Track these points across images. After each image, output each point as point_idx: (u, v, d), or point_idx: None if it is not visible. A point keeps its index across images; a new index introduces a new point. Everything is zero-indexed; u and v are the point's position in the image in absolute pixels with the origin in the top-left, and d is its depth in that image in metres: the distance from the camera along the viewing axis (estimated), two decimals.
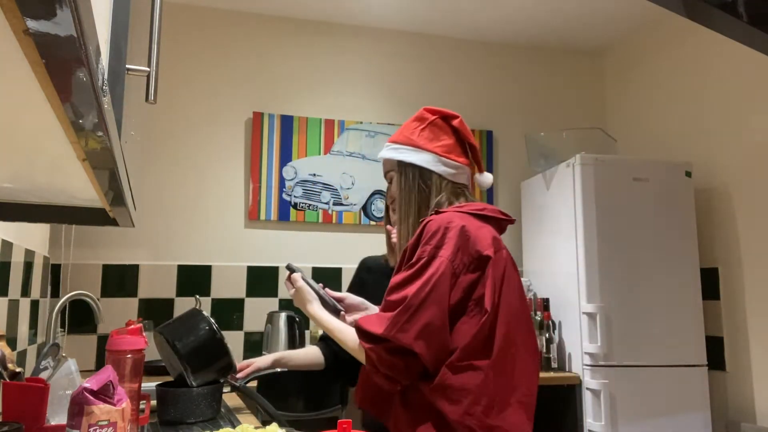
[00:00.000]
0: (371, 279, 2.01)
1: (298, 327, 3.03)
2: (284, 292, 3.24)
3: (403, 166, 1.47)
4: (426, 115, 1.50)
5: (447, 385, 1.26)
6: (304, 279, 1.61)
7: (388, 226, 1.64)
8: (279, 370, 2.02)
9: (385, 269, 1.84)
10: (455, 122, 1.49)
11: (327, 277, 3.32)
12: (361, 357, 1.33)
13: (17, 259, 2.09)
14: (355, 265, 3.47)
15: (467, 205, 1.41)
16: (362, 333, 1.32)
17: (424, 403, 1.30)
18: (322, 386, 2.56)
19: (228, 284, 3.17)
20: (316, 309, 1.53)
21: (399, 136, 1.50)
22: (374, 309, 1.63)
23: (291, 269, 1.65)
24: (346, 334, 1.40)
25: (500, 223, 1.43)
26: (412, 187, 1.45)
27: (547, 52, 3.88)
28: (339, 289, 3.32)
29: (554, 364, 2.91)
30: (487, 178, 1.53)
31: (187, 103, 3.26)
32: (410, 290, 1.27)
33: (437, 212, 1.37)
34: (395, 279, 1.33)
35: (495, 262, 1.31)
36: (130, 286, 3.04)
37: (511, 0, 3.28)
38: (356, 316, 1.57)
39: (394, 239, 1.69)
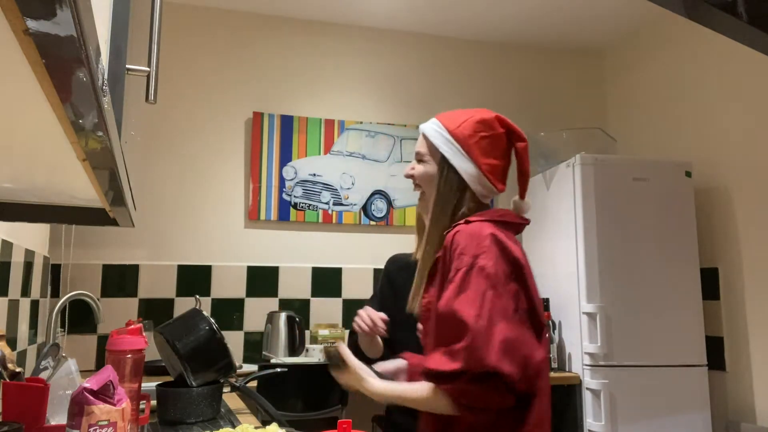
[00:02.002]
0: (401, 278, 2.01)
1: (298, 327, 3.03)
2: (284, 292, 3.25)
3: (445, 165, 1.35)
4: (495, 125, 1.38)
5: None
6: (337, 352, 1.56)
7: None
8: (279, 370, 2.02)
9: (414, 267, 1.86)
10: (519, 145, 1.39)
11: (327, 277, 3.32)
12: (439, 404, 1.19)
13: (17, 259, 2.09)
14: (356, 265, 3.50)
15: (488, 212, 1.33)
16: (435, 376, 1.17)
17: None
18: (322, 386, 2.56)
19: (228, 284, 3.17)
20: (375, 384, 1.33)
21: (455, 127, 1.35)
22: (401, 360, 1.50)
23: (332, 352, 1.57)
24: (414, 390, 1.24)
25: (519, 227, 1.37)
26: (450, 195, 1.34)
27: (547, 52, 3.88)
28: (338, 291, 3.33)
29: (554, 364, 2.91)
30: (527, 206, 1.41)
31: (187, 103, 3.26)
32: (468, 312, 1.15)
33: (466, 222, 1.29)
34: (443, 303, 1.20)
35: (528, 270, 1.25)
36: (130, 286, 3.04)
37: (511, 0, 3.28)
38: (388, 365, 1.46)
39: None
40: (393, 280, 2.06)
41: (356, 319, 1.85)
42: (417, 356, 1.46)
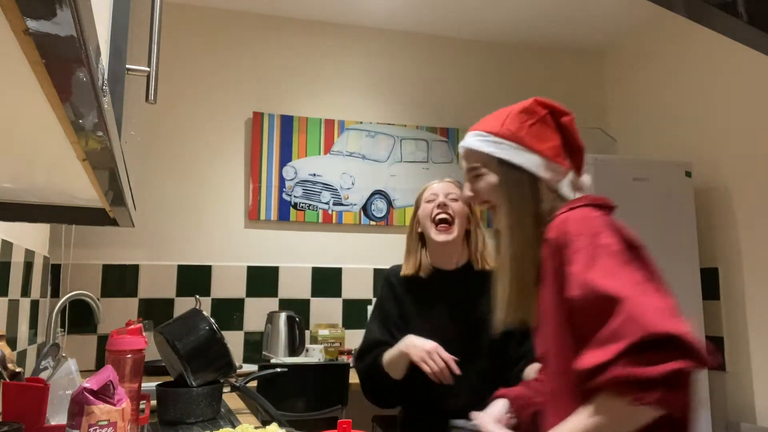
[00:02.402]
0: (402, 290, 1.87)
1: (298, 327, 3.03)
2: (284, 292, 3.25)
3: (506, 167, 1.24)
4: (537, 109, 1.28)
5: None
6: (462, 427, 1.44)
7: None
8: (279, 370, 2.03)
9: (419, 280, 1.83)
10: (564, 120, 1.29)
11: (327, 277, 3.32)
12: (617, 415, 0.93)
13: (17, 259, 2.09)
14: (356, 265, 3.50)
15: (582, 198, 1.20)
16: (597, 371, 0.92)
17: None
18: (322, 386, 2.56)
19: (228, 284, 3.17)
20: None
21: (499, 127, 1.26)
22: (498, 403, 1.36)
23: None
24: (577, 421, 0.98)
25: (611, 210, 1.21)
26: (523, 195, 1.22)
27: (548, 52, 3.88)
28: (340, 292, 3.33)
29: None
30: (587, 181, 1.29)
31: (187, 103, 3.26)
32: (611, 284, 0.96)
33: (570, 209, 1.16)
34: (578, 288, 1.00)
35: (647, 251, 1.10)
36: (130, 286, 3.04)
37: (511, 0, 3.28)
38: (483, 418, 1.30)
39: (447, 237, 1.73)
40: (397, 294, 1.88)
41: (424, 356, 1.61)
42: (515, 389, 1.34)
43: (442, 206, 1.80)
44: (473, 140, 1.29)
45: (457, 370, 1.59)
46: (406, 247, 1.94)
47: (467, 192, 1.31)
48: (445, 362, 1.59)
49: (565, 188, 1.25)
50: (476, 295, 1.75)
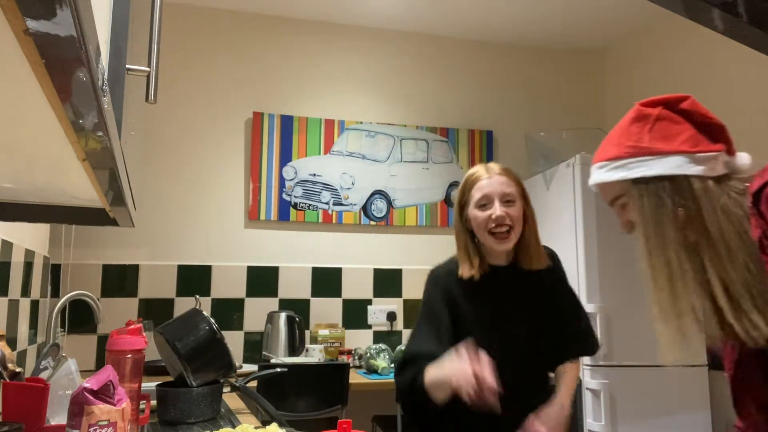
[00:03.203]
0: (461, 294, 1.68)
1: (298, 327, 3.03)
2: (284, 292, 3.25)
3: (642, 185, 1.12)
4: (647, 111, 1.15)
5: None
6: None
7: None
8: (279, 370, 2.02)
9: (470, 279, 1.63)
10: (684, 105, 1.14)
11: (327, 277, 3.32)
12: None
13: (17, 259, 2.09)
14: (356, 265, 3.50)
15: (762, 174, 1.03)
16: None
17: None
18: (322, 386, 2.56)
19: (228, 284, 3.17)
20: None
21: (620, 149, 1.15)
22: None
23: None
24: None
25: None
26: (663, 203, 1.10)
27: (548, 52, 3.88)
28: (339, 292, 3.33)
29: None
30: (745, 158, 1.12)
31: (187, 103, 3.26)
32: None
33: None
34: None
35: None
36: (130, 286, 3.04)
37: (511, 1, 3.28)
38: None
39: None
40: (453, 297, 1.68)
41: (462, 381, 1.36)
42: None
43: (500, 219, 1.59)
44: (600, 174, 1.19)
45: (492, 391, 1.35)
46: (459, 247, 1.71)
47: (622, 228, 1.23)
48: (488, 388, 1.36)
49: (730, 166, 1.11)
50: (531, 294, 1.67)
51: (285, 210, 3.28)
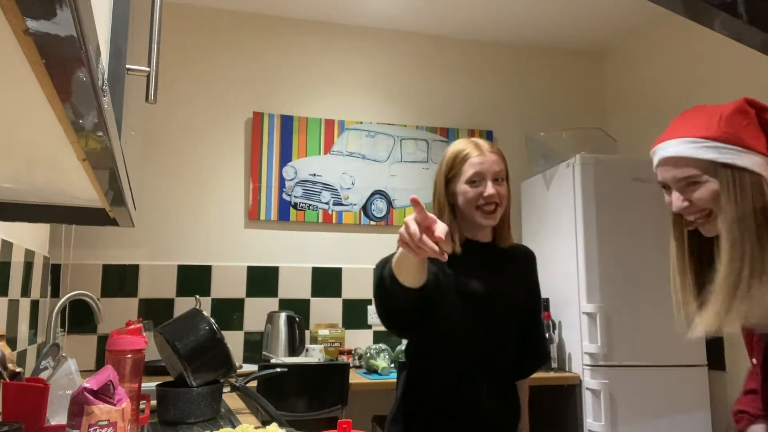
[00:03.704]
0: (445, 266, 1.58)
1: (298, 327, 3.03)
2: (284, 292, 3.25)
3: (729, 171, 1.16)
4: (749, 109, 1.21)
5: None
6: None
7: None
8: (279, 370, 2.02)
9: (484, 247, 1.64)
10: (766, 116, 1.22)
11: (327, 277, 3.32)
12: None
13: (17, 259, 2.09)
14: (356, 265, 3.50)
15: None
16: None
17: None
18: (322, 386, 2.56)
19: (228, 284, 3.17)
20: None
21: (719, 132, 1.19)
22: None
23: None
24: None
25: None
26: (748, 196, 1.15)
27: (547, 52, 3.88)
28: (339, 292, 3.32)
29: (554, 364, 2.91)
30: None
31: (187, 103, 3.26)
32: None
33: None
34: None
35: None
36: (130, 286, 3.04)
37: (511, 0, 3.28)
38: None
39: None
40: (441, 269, 1.58)
41: (401, 230, 1.23)
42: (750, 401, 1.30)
43: (491, 198, 1.58)
44: (686, 147, 1.20)
45: (436, 239, 1.19)
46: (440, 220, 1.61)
47: (680, 203, 1.21)
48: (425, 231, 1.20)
49: None
50: (514, 268, 1.67)
51: (285, 210, 3.28)
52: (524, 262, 1.72)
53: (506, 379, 1.61)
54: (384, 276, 1.42)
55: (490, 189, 1.58)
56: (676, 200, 1.21)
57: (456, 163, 1.64)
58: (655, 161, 1.25)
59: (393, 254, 1.45)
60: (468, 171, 1.61)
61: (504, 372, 1.60)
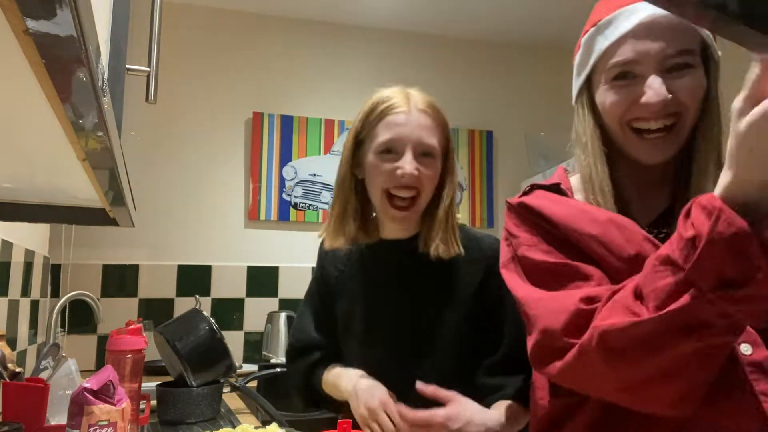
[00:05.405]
0: (336, 274, 1.34)
1: None
2: (284, 292, 3.25)
3: (718, 71, 0.89)
4: None
5: None
6: None
7: None
8: (279, 370, 2.02)
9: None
10: None
11: None
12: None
13: (17, 259, 2.09)
14: None
15: None
16: None
17: None
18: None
19: (228, 284, 3.17)
20: None
21: None
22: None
23: None
24: None
25: None
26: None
27: (548, 52, 3.88)
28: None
29: None
30: None
31: (187, 103, 3.26)
32: None
33: None
34: None
35: None
36: (130, 286, 3.04)
37: (511, 1, 3.28)
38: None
39: None
40: (331, 282, 1.33)
41: (367, 419, 1.09)
42: None
43: (408, 179, 1.10)
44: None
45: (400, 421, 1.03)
46: (337, 202, 1.23)
47: (664, 92, 0.81)
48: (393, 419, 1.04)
49: None
50: (431, 276, 1.18)
51: (285, 210, 3.28)
52: (471, 268, 1.17)
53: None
54: (308, 383, 1.37)
55: (407, 165, 1.09)
56: (658, 87, 0.81)
57: (371, 121, 1.23)
58: (625, 27, 0.83)
59: (302, 348, 1.31)
60: (381, 134, 1.16)
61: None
